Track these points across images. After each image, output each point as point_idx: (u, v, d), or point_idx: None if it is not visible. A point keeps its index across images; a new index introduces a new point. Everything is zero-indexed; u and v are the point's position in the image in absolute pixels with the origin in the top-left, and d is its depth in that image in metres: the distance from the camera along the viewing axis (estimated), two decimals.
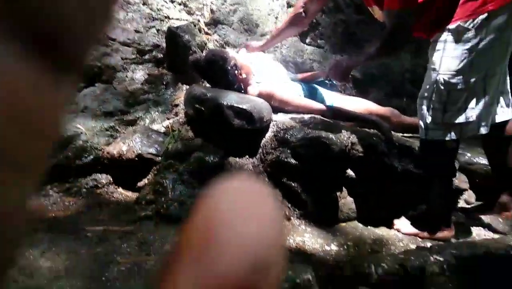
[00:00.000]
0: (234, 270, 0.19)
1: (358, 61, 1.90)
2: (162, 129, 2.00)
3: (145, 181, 1.81)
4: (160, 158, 1.83)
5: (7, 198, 0.14)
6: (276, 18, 2.86)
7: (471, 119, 1.57)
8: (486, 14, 1.49)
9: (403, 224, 1.80)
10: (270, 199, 0.23)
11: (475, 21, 1.51)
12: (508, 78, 1.73)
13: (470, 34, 1.52)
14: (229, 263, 0.19)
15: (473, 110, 1.57)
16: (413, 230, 1.76)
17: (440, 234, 1.71)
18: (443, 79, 1.59)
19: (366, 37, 3.17)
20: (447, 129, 1.60)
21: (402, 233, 1.76)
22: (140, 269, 1.27)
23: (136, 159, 1.82)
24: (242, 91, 2.06)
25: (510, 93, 1.74)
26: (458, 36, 1.55)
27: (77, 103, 2.00)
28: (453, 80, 1.57)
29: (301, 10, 2.11)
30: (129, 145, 1.85)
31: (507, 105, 1.73)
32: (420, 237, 1.74)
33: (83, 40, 0.16)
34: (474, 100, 1.56)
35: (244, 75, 2.07)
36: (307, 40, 2.96)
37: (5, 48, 0.13)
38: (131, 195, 1.78)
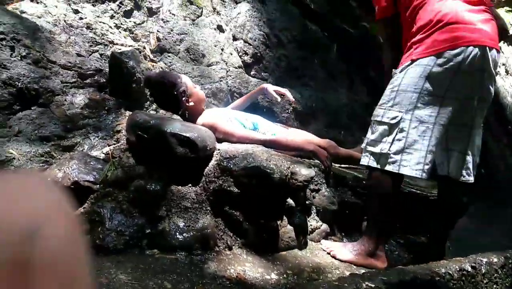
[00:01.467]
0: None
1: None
2: (102, 156, 1.94)
3: (81, 210, 1.72)
4: (98, 185, 1.76)
5: None
6: (222, 49, 2.94)
7: (384, 151, 1.74)
8: (409, 62, 1.75)
9: (339, 250, 1.88)
10: (39, 180, 0.22)
11: (401, 67, 1.78)
12: (471, 140, 1.83)
13: (395, 77, 1.80)
14: None
15: (387, 144, 1.74)
16: (348, 257, 1.84)
17: (373, 262, 1.81)
18: (374, 112, 1.85)
19: (307, 72, 3.36)
20: (368, 156, 1.80)
21: (338, 260, 1.84)
22: None
23: (72, 186, 1.74)
24: (187, 117, 2.10)
25: (471, 156, 1.84)
26: (391, 78, 1.83)
27: (11, 127, 1.89)
28: (376, 112, 1.82)
29: None
30: (65, 171, 1.77)
31: (467, 168, 1.84)
32: (355, 264, 1.83)
33: None
34: (392, 136, 1.73)
35: (192, 103, 2.11)
36: (252, 72, 3.06)
37: None
38: None
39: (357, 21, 3.95)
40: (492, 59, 1.70)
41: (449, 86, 1.69)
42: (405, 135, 1.71)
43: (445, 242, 2.00)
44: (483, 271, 1.71)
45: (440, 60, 1.67)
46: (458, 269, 1.64)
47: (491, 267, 1.75)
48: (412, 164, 1.71)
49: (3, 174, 0.22)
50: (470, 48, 1.65)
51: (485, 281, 1.71)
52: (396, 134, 1.72)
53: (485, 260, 1.75)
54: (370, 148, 1.79)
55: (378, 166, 1.75)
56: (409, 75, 1.73)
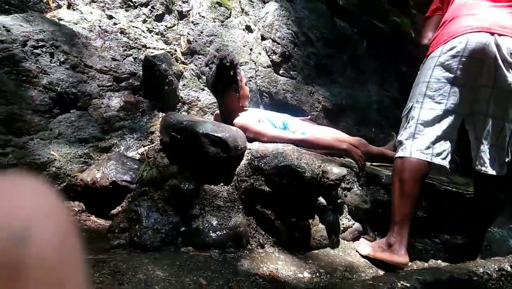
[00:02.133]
0: None
1: None
2: (137, 157, 2.01)
3: (119, 208, 1.80)
4: (134, 185, 1.83)
5: None
6: (251, 49, 2.96)
7: (399, 138, 1.84)
8: (425, 58, 1.86)
9: (362, 245, 1.89)
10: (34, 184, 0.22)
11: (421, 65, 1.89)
12: (486, 128, 1.77)
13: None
14: None
15: (401, 133, 1.85)
16: (367, 251, 1.83)
17: (391, 257, 1.75)
18: None
19: (336, 69, 3.33)
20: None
21: (360, 254, 1.84)
22: None
23: (110, 186, 1.81)
24: (226, 108, 2.19)
25: (488, 146, 1.78)
26: None
27: (51, 130, 1.99)
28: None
29: None
30: (103, 172, 1.85)
31: (480, 157, 1.79)
32: (372, 257, 1.81)
33: None
34: (404, 125, 1.84)
35: (238, 95, 2.16)
36: (281, 72, 3.07)
37: None
38: (104, 223, 1.77)
39: (387, 16, 3.88)
40: (506, 46, 1.67)
41: (456, 72, 1.73)
42: (415, 122, 1.78)
43: (482, 241, 1.93)
44: None
45: (446, 48, 1.75)
46: (497, 269, 1.59)
47: None
48: (423, 148, 1.75)
49: None
50: (473, 34, 1.69)
51: None
52: (408, 122, 1.81)
53: None
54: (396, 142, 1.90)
55: (396, 154, 1.83)
56: (423, 69, 1.84)
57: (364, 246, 1.86)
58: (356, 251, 1.87)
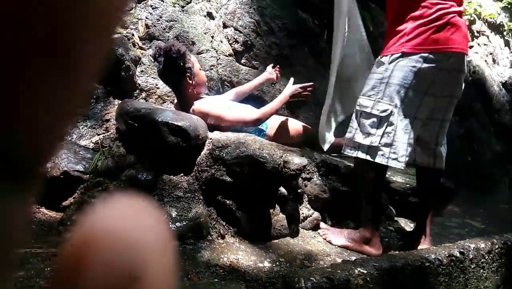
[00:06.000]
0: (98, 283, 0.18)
1: None
2: (91, 146, 1.91)
3: (71, 200, 1.71)
4: (88, 175, 1.74)
5: None
6: (212, 37, 2.90)
7: (374, 144, 1.76)
8: (400, 54, 1.75)
9: (334, 236, 1.92)
10: (148, 212, 0.22)
11: (391, 57, 1.77)
12: (441, 132, 1.95)
13: (383, 67, 1.78)
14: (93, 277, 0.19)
15: (377, 137, 1.77)
16: (343, 242, 1.88)
17: (367, 249, 1.85)
18: (359, 101, 1.84)
19: (297, 60, 3.34)
20: (356, 147, 1.81)
21: (333, 244, 1.88)
22: None
23: (61, 176, 1.71)
24: (184, 96, 2.14)
25: (441, 146, 1.98)
26: (377, 67, 1.81)
27: None
28: (364, 103, 1.81)
29: None
30: (53, 161, 1.74)
31: (436, 156, 1.98)
32: (349, 249, 1.86)
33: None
34: (381, 129, 1.76)
35: (194, 83, 2.10)
36: (242, 61, 3.04)
37: None
38: (55, 215, 1.67)
39: None
40: (465, 63, 1.85)
41: (431, 84, 1.77)
42: (394, 129, 1.76)
43: (425, 227, 2.04)
44: (471, 256, 1.75)
45: (430, 59, 1.73)
46: (447, 255, 1.67)
47: (478, 253, 1.79)
48: (399, 157, 1.78)
49: (102, 205, 0.21)
50: (455, 53, 1.76)
51: (472, 266, 1.75)
52: (386, 127, 1.76)
53: (472, 245, 1.79)
54: (358, 139, 1.81)
55: (368, 158, 1.79)
56: (400, 69, 1.74)
57: (338, 238, 1.91)
58: (329, 242, 1.91)
